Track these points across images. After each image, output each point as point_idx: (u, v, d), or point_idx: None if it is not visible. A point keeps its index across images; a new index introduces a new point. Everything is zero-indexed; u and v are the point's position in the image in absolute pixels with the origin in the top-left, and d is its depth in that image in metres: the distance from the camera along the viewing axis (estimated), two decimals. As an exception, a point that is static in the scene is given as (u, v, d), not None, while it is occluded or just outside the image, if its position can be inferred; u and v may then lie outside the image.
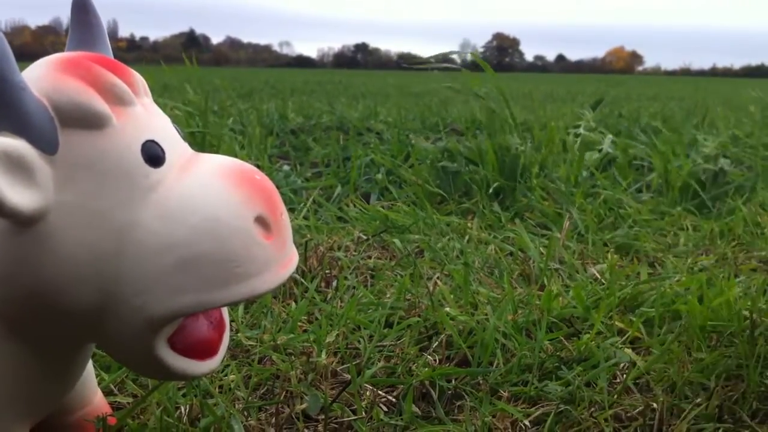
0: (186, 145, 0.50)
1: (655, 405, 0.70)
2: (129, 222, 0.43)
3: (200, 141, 1.46)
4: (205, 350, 0.49)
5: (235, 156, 1.50)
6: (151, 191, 0.45)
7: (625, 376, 0.78)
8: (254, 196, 0.45)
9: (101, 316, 0.44)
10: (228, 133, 1.56)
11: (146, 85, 0.49)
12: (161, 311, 0.43)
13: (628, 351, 0.83)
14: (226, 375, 0.76)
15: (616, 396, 0.74)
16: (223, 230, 0.43)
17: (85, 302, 0.44)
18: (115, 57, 0.51)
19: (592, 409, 0.72)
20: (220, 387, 0.74)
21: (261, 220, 0.45)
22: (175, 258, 0.43)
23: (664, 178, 1.81)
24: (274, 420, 0.69)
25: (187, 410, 0.68)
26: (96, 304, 0.44)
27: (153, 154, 0.46)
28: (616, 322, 0.91)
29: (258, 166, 1.63)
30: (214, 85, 4.03)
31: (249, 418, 0.69)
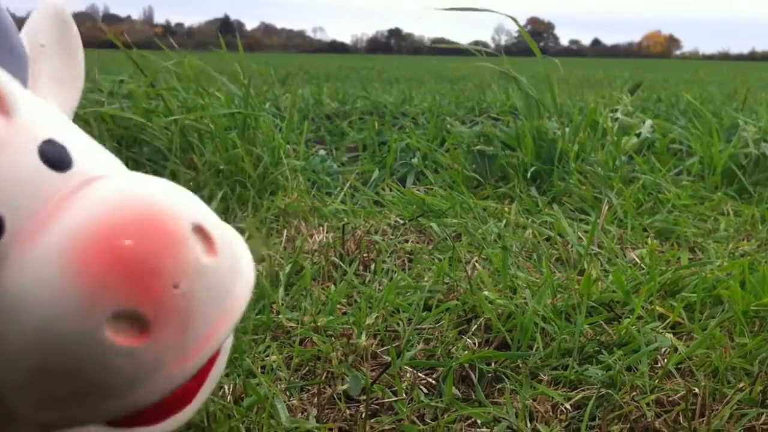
0: (72, 177, 0.37)
1: (697, 390, 0.70)
2: None
3: (241, 123, 1.48)
4: (160, 411, 0.39)
5: (272, 140, 1.51)
6: None
7: (666, 360, 0.78)
8: (107, 284, 0.33)
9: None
10: (265, 116, 1.57)
11: (14, 104, 0.36)
12: (33, 423, 0.36)
13: (670, 336, 0.83)
14: (267, 356, 0.77)
15: (657, 381, 0.73)
16: (56, 344, 0.33)
17: None
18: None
19: (634, 393, 0.71)
20: (262, 367, 0.75)
21: (126, 316, 0.33)
22: (17, 372, 0.34)
23: (704, 163, 1.78)
24: (315, 400, 0.69)
25: (231, 389, 0.69)
26: None
27: None
28: (657, 307, 0.91)
29: (294, 151, 1.65)
30: (251, 70, 4.04)
31: (291, 398, 0.70)
